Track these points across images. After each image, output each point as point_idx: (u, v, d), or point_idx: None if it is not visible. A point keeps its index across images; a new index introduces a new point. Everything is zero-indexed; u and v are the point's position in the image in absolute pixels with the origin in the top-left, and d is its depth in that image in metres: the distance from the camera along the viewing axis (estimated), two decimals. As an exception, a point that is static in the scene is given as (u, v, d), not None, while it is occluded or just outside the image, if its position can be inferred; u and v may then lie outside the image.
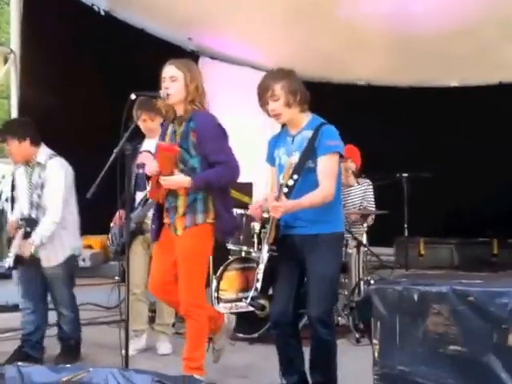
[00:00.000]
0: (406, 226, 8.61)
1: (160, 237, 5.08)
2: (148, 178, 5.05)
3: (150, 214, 6.08)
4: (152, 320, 6.48)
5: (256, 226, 6.96)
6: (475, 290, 3.91)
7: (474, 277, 4.46)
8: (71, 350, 5.93)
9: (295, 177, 4.47)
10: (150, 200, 6.02)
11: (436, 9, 9.06)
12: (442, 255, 11.44)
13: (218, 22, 9.97)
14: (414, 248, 11.26)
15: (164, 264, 5.00)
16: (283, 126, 4.81)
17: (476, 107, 11.54)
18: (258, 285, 4.61)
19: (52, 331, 6.11)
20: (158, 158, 4.89)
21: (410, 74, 11.71)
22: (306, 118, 4.66)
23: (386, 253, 10.81)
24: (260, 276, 4.62)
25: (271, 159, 4.81)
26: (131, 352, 4.91)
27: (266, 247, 4.64)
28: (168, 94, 4.83)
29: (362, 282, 7.21)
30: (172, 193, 4.92)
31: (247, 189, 8.69)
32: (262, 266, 4.63)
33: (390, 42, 10.22)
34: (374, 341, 4.20)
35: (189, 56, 10.71)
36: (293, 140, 4.65)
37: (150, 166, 4.92)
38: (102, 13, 10.00)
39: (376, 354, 4.20)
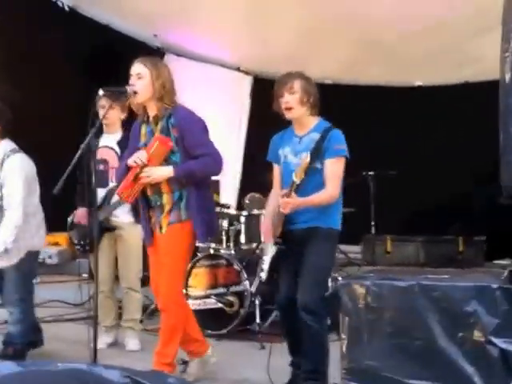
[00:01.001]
0: (372, 223, 8.69)
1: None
2: (128, 169, 4.92)
3: (118, 211, 6.10)
4: (120, 316, 6.41)
5: (224, 223, 6.99)
6: (441, 285, 3.96)
7: (440, 273, 4.52)
8: (10, 358, 5.28)
9: (301, 176, 4.63)
10: (117, 198, 6.00)
11: (398, 7, 9.11)
12: (408, 252, 11.49)
13: (183, 19, 9.94)
14: (381, 245, 11.29)
15: (159, 266, 4.99)
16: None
17: (441, 106, 11.61)
18: (263, 275, 4.90)
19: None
20: (152, 149, 4.82)
21: (374, 72, 11.76)
22: (314, 120, 4.88)
23: (354, 250, 10.86)
24: (265, 267, 4.90)
25: (275, 157, 5.00)
26: (100, 345, 4.89)
27: (271, 240, 4.89)
28: (135, 92, 4.84)
29: (329, 279, 7.25)
30: (156, 191, 4.92)
31: (214, 186, 8.68)
32: (267, 258, 4.89)
33: (354, 40, 10.26)
34: (342, 336, 4.24)
35: (154, 53, 10.72)
36: (300, 140, 4.85)
37: (140, 155, 4.83)
38: (67, 8, 9.93)
39: (344, 349, 4.24)
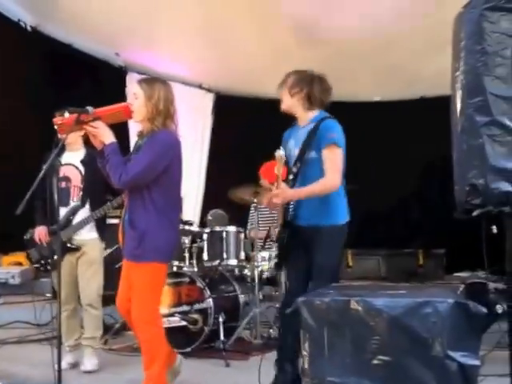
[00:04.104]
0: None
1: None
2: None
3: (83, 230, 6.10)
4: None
5: (186, 240, 7.02)
6: (398, 300, 4.01)
7: (400, 288, 4.58)
8: None
9: (297, 166, 4.74)
10: (84, 218, 6.00)
11: (358, 22, 9.24)
12: (369, 266, 11.58)
13: (144, 37, 9.96)
14: (342, 260, 11.39)
15: (127, 281, 4.88)
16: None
17: (399, 120, 11.73)
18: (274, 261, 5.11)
19: None
20: (113, 108, 4.79)
21: (335, 88, 11.87)
22: (313, 114, 4.96)
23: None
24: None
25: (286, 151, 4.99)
26: (63, 366, 4.85)
27: (277, 229, 4.99)
28: (131, 111, 4.77)
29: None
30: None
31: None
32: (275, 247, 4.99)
33: (313, 56, 10.35)
34: (304, 352, 4.27)
35: (116, 71, 10.76)
36: (301, 132, 4.94)
37: (103, 108, 4.77)
38: (29, 28, 9.92)
39: (305, 366, 4.27)
